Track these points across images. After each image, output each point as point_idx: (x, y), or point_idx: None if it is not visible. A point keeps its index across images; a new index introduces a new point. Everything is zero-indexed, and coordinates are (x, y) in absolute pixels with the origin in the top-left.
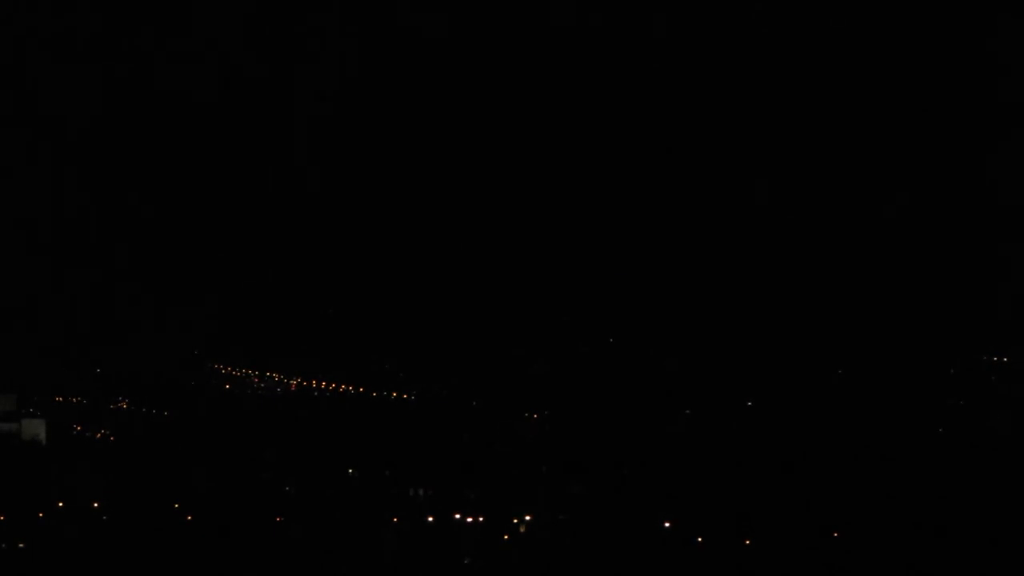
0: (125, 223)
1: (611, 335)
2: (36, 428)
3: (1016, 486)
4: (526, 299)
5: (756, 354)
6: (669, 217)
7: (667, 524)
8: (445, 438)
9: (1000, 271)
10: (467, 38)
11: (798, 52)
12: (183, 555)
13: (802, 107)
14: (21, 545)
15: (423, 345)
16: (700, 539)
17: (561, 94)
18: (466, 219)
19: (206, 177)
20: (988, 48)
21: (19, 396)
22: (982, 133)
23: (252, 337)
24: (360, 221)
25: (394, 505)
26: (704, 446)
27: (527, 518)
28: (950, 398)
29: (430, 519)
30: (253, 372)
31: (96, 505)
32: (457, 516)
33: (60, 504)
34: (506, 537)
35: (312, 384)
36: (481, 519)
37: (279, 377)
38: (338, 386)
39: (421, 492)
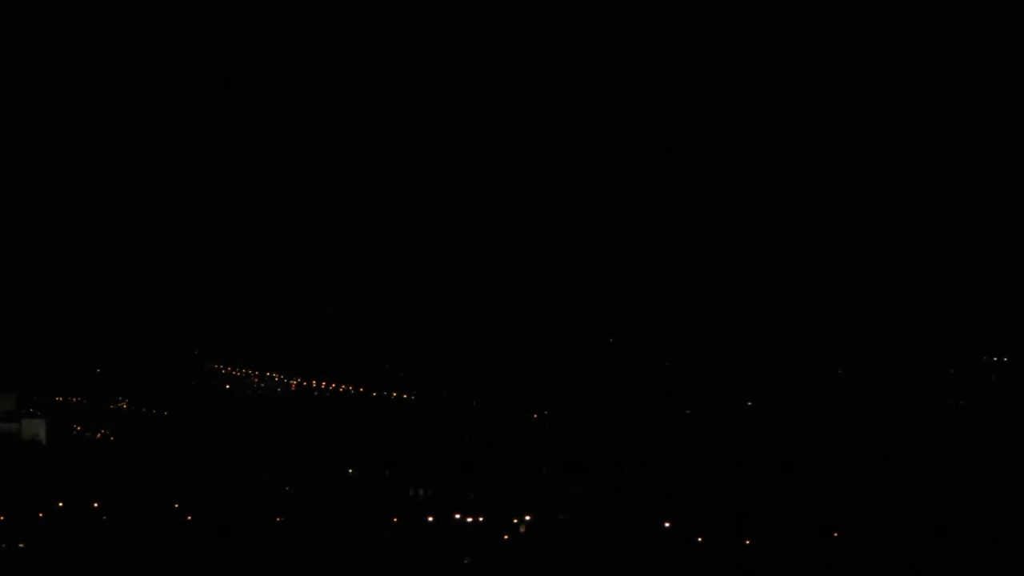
0: (125, 223)
1: (611, 335)
2: (36, 428)
3: (1016, 486)
4: (526, 299)
5: (756, 354)
6: (669, 217)
7: (667, 524)
8: (445, 438)
9: (1000, 271)
10: (467, 38)
11: (798, 52)
12: (183, 555)
13: (802, 107)
14: (21, 545)
15: (423, 345)
16: (700, 539)
17: (561, 94)
18: (466, 219)
19: (206, 177)
20: (988, 48)
21: (19, 396)
22: (982, 133)
23: (252, 337)
24: (360, 221)
25: (394, 505)
26: (704, 446)
27: (527, 518)
28: (950, 398)
29: (430, 519)
30: (253, 372)
31: (96, 505)
32: (457, 516)
33: (60, 504)
34: (506, 537)
35: (312, 384)
36: (481, 519)
37: (279, 377)
38: (338, 386)
39: (421, 492)
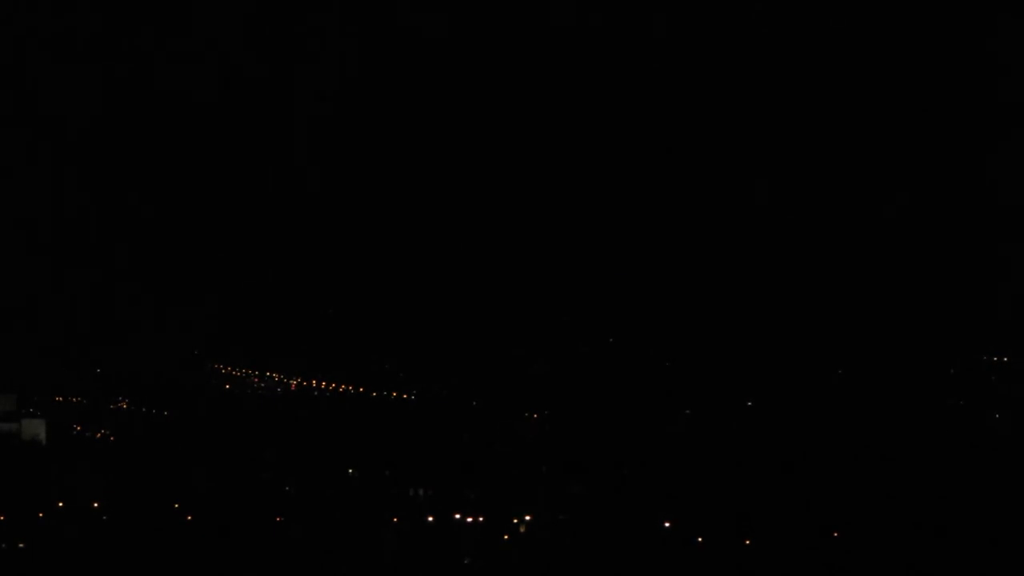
0: (125, 223)
1: (611, 335)
2: (36, 428)
3: (1016, 486)
4: (526, 299)
5: (756, 354)
6: (669, 217)
7: (667, 524)
8: (445, 438)
9: (1000, 271)
10: (467, 38)
11: (798, 52)
12: (183, 555)
13: (802, 107)
14: (21, 545)
15: (423, 345)
16: (700, 539)
17: (561, 94)
18: (466, 219)
19: (206, 177)
20: (988, 48)
21: (19, 396)
22: (982, 133)
23: (252, 337)
24: (360, 221)
25: (394, 505)
26: (704, 446)
27: (527, 518)
28: (950, 398)
29: (430, 519)
30: (253, 372)
31: (96, 505)
32: (457, 516)
33: (60, 504)
34: (506, 537)
35: (312, 384)
36: (481, 519)
37: (279, 377)
38: (338, 386)
39: (421, 492)
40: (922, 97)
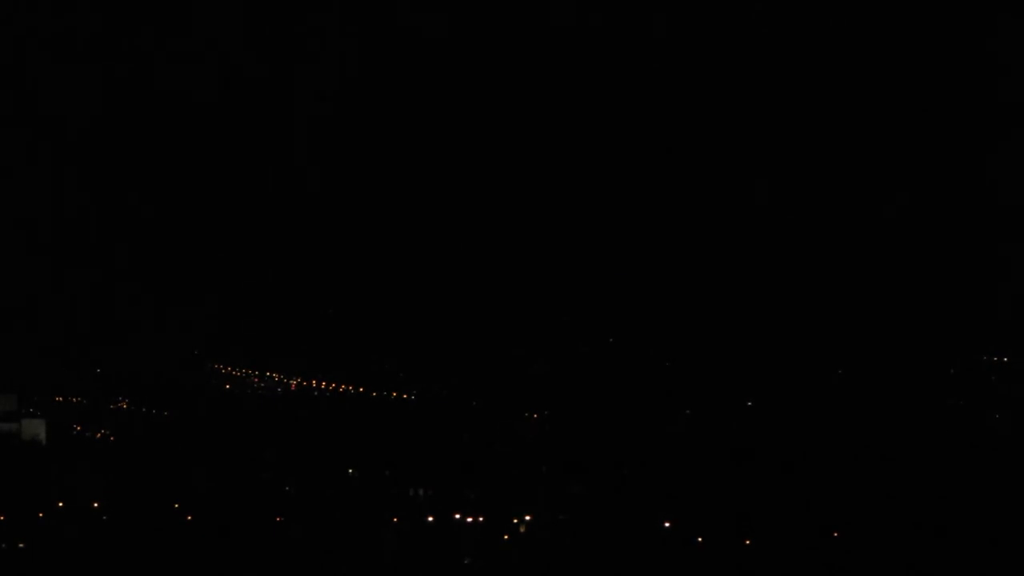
0: (125, 223)
1: (611, 335)
2: (36, 428)
3: (1016, 486)
4: (526, 299)
5: (756, 354)
6: (669, 217)
7: (667, 524)
8: (445, 438)
9: (1000, 271)
10: (467, 38)
11: (798, 52)
12: (183, 555)
13: (802, 107)
14: (21, 545)
15: (423, 345)
16: (700, 539)
17: (561, 94)
18: (465, 219)
19: (206, 177)
20: (988, 48)
21: (19, 396)
22: (982, 133)
23: (252, 337)
24: (360, 221)
25: (394, 505)
26: (704, 446)
27: (527, 518)
28: (950, 398)
29: (430, 519)
30: (253, 372)
31: (96, 505)
32: (457, 516)
33: (60, 504)
34: (506, 537)
35: (312, 384)
36: (481, 519)
37: (279, 377)
38: (338, 386)
39: (421, 492)
40: (922, 97)
